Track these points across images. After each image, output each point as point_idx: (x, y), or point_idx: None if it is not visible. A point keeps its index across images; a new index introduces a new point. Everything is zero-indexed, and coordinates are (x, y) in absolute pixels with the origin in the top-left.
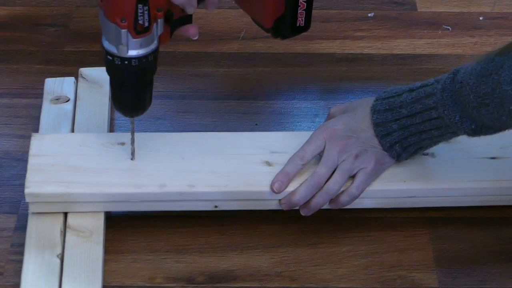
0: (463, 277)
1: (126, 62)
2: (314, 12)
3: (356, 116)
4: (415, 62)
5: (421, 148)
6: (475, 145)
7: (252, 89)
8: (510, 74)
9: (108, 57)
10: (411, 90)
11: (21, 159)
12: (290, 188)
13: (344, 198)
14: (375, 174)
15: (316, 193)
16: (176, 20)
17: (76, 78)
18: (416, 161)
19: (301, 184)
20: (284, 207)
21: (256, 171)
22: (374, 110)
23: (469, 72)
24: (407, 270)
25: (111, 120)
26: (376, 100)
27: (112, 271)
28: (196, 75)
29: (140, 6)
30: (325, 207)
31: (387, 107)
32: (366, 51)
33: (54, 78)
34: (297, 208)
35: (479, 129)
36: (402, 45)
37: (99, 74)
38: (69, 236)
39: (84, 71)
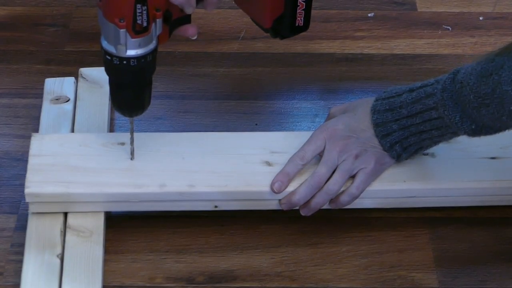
0: (463, 277)
1: (124, 62)
2: (314, 12)
3: (356, 116)
4: (415, 62)
5: (421, 148)
6: (475, 145)
7: (252, 89)
8: (510, 75)
9: (107, 57)
10: (411, 90)
11: (21, 159)
12: (290, 188)
13: (344, 198)
14: (375, 174)
15: (316, 193)
16: (175, 20)
17: (76, 78)
18: (416, 161)
19: (301, 184)
20: (284, 207)
21: (256, 171)
22: (374, 110)
23: (469, 72)
24: (407, 270)
25: (111, 120)
26: (376, 100)
27: (112, 271)
28: (196, 75)
29: (138, 6)
30: (325, 207)
31: (387, 107)
32: (366, 51)
33: (54, 78)
34: (297, 208)
35: (479, 129)
36: (402, 45)
37: (99, 74)
38: (69, 236)
39: (84, 71)
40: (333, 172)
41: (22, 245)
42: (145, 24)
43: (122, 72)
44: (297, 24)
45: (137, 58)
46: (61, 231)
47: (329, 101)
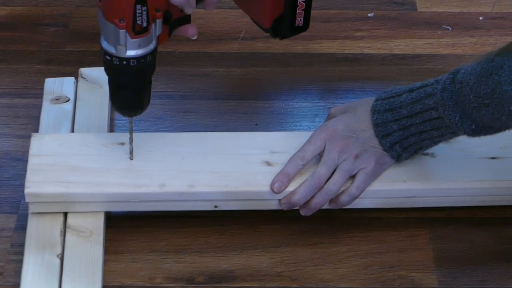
0: (463, 277)
1: (124, 62)
2: (314, 12)
3: (356, 116)
4: (415, 62)
5: (421, 148)
6: (475, 145)
7: (252, 89)
8: (510, 75)
9: (107, 57)
10: (411, 90)
11: (21, 159)
12: (290, 188)
13: (344, 198)
14: (375, 174)
15: (316, 193)
16: (175, 20)
17: (76, 78)
18: (416, 161)
19: (301, 184)
20: (284, 207)
21: (256, 171)
22: (374, 110)
23: (469, 73)
24: (407, 270)
25: (111, 120)
26: (376, 100)
27: (112, 271)
28: (196, 75)
29: (138, 6)
30: (325, 207)
31: (387, 107)
32: (366, 51)
33: (54, 78)
34: (297, 208)
35: (479, 129)
36: (402, 45)
37: (99, 74)
38: (69, 236)
39: (84, 71)
40: (333, 172)
41: (22, 245)
42: (145, 24)
43: (122, 72)
44: (297, 24)
45: (137, 58)
46: (61, 231)
47: (329, 101)
